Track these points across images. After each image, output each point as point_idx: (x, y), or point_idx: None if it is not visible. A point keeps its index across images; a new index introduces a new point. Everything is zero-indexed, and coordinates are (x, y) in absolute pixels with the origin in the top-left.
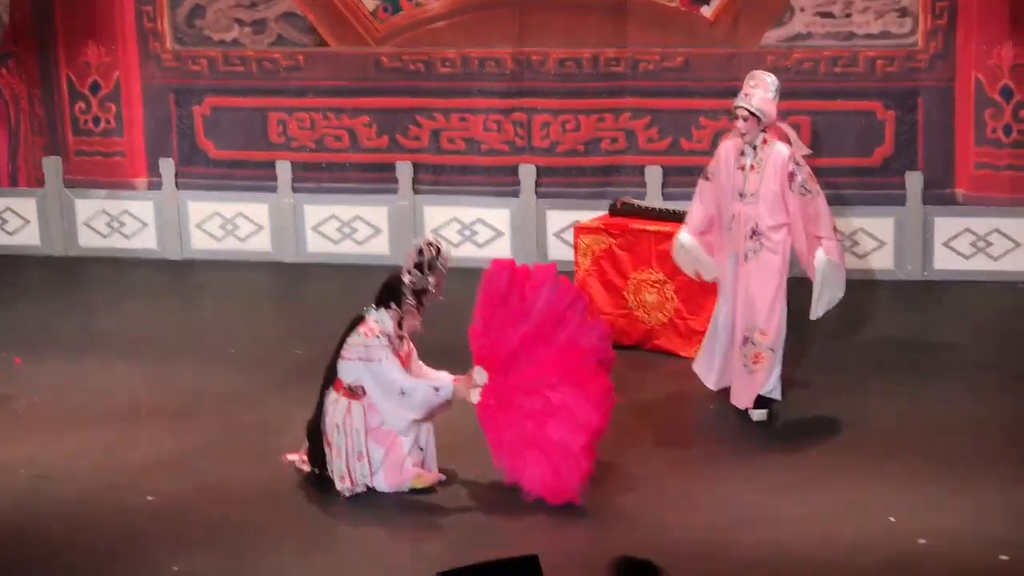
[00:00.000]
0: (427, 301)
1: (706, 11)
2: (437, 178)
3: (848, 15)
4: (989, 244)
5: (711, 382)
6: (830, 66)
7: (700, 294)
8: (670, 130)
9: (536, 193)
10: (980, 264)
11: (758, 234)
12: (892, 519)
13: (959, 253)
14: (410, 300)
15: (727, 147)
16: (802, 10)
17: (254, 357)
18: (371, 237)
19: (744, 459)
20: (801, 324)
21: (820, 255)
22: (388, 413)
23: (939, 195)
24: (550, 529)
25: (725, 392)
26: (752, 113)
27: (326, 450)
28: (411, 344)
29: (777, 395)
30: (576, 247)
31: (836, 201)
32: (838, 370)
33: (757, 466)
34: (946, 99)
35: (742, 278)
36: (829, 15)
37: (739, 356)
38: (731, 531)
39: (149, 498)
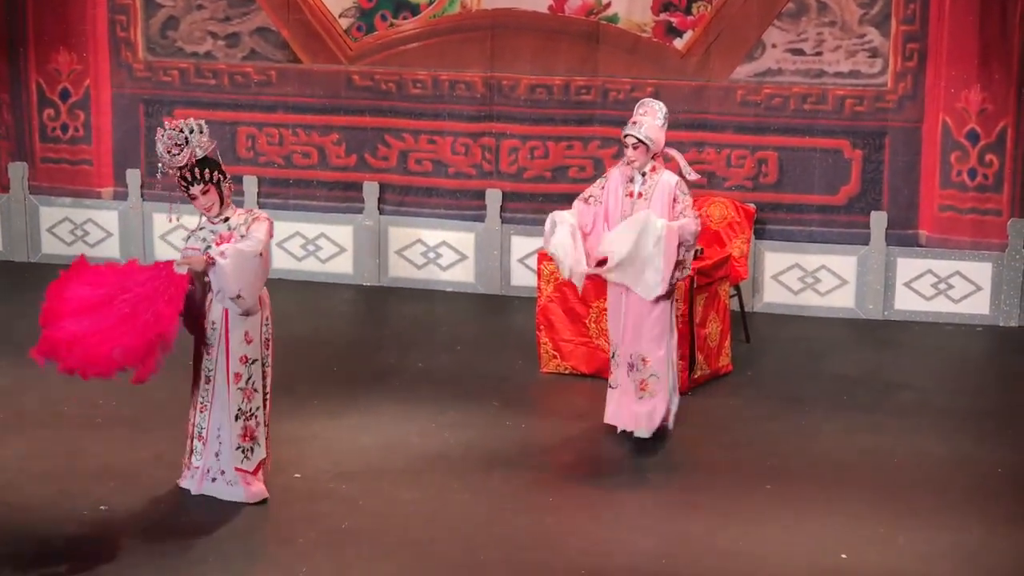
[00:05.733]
0: (187, 178)
1: (679, 43)
2: (403, 199)
3: (819, 53)
4: (950, 287)
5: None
6: (799, 103)
7: None
8: None
9: (501, 218)
10: (941, 306)
11: None
12: (844, 556)
13: (920, 294)
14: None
15: (615, 174)
16: (773, 46)
17: None
18: (335, 256)
19: (696, 490)
20: (760, 358)
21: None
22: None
23: (902, 236)
24: (505, 548)
25: (681, 423)
26: (641, 141)
27: None
28: (253, 227)
29: (669, 424)
30: (539, 273)
31: (800, 238)
32: (796, 405)
33: (708, 497)
34: (913, 140)
35: (630, 305)
36: (800, 52)
37: (627, 381)
38: (678, 561)
39: (103, 508)
